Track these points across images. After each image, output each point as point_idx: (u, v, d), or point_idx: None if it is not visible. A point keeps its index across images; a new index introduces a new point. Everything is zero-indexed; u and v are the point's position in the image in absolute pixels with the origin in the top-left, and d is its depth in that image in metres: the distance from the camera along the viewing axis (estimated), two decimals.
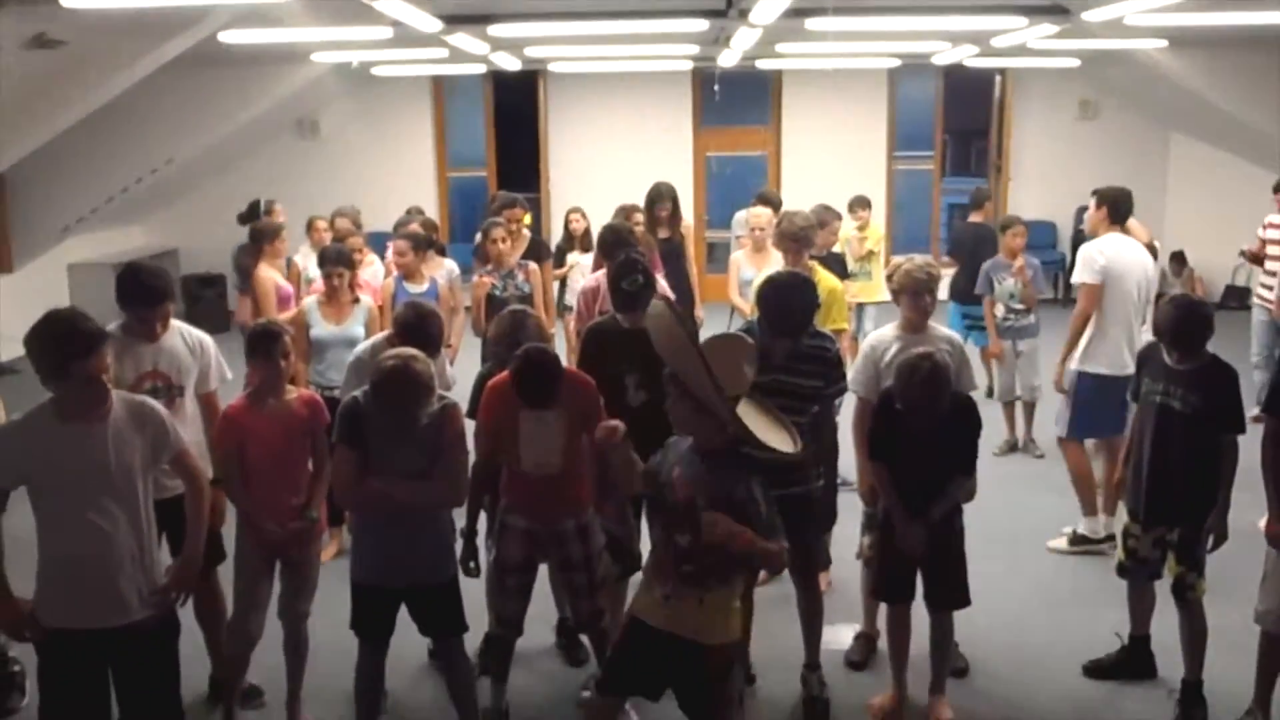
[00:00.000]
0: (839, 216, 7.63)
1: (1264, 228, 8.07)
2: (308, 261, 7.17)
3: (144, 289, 3.97)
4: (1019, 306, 7.25)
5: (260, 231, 6.52)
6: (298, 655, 4.13)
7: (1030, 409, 7.44)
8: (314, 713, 4.19)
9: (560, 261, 7.97)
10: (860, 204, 8.63)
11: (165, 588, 3.38)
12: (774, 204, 7.75)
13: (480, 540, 4.12)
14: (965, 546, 4.14)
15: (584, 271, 7.46)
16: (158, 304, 4.00)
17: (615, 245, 5.26)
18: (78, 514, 3.15)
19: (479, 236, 7.64)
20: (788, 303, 4.09)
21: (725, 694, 3.32)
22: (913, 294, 4.42)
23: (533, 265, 6.56)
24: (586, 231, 8.03)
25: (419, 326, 4.18)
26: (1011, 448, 7.42)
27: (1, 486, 3.20)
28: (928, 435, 3.96)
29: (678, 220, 7.53)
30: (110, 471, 3.19)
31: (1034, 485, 6.57)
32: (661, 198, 7.45)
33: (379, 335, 4.78)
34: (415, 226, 6.92)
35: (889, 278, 4.63)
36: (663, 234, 7.38)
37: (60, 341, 3.14)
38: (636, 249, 5.11)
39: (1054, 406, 5.94)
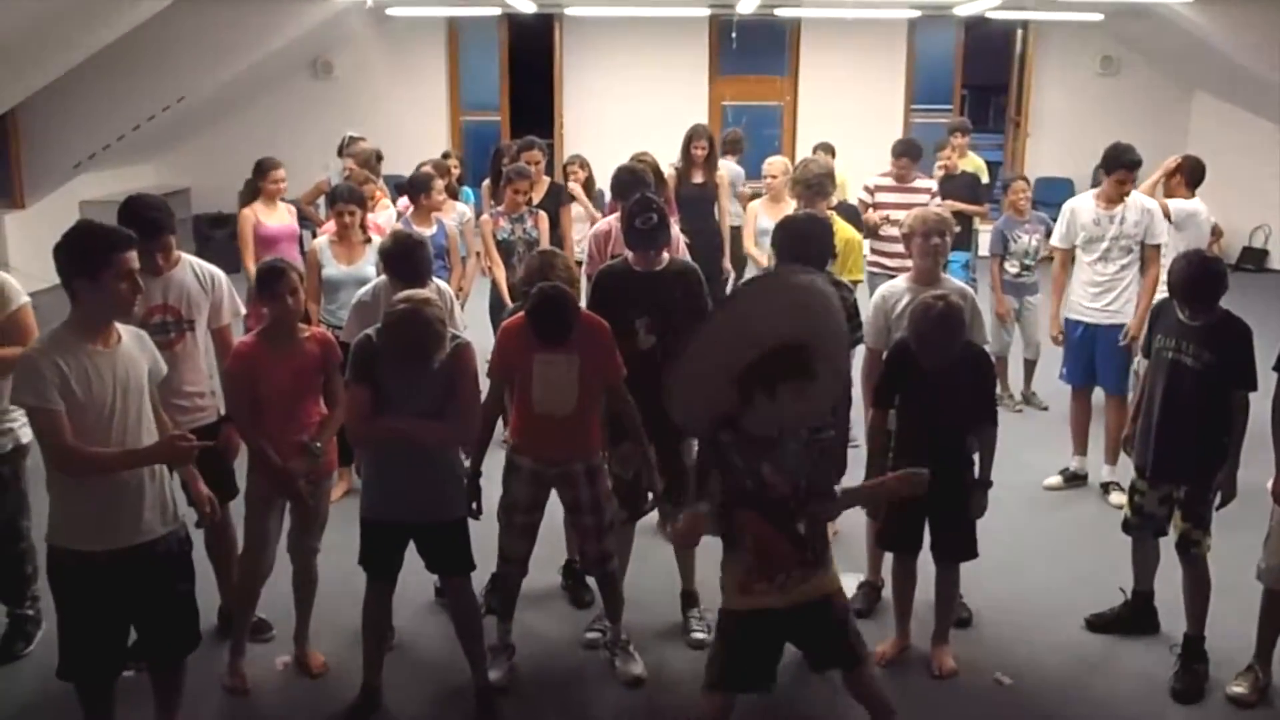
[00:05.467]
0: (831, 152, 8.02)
1: None
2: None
3: (142, 220, 3.93)
4: (1031, 263, 7.19)
5: (255, 167, 6.48)
6: (306, 591, 4.18)
7: (1032, 365, 7.42)
8: (321, 648, 4.24)
9: None
10: (823, 150, 8.68)
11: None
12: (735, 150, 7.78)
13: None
14: None
15: (586, 222, 7.41)
16: (156, 235, 3.98)
17: (631, 185, 5.22)
18: (105, 433, 3.16)
19: (486, 183, 7.60)
20: (801, 242, 4.08)
21: (854, 627, 3.43)
22: (923, 235, 4.41)
23: (541, 212, 6.53)
24: (588, 182, 7.90)
25: (402, 256, 4.16)
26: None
27: (56, 409, 3.06)
28: (939, 385, 3.97)
29: (713, 166, 7.40)
30: (130, 390, 3.22)
31: (1039, 438, 6.57)
32: (699, 135, 7.34)
33: (380, 278, 4.73)
34: (428, 168, 6.89)
35: (900, 225, 4.63)
36: (697, 178, 7.29)
37: (101, 234, 3.17)
38: (652, 189, 5.09)
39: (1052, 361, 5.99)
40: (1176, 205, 6.15)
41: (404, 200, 6.81)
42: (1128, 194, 5.72)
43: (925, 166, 7.79)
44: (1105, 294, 5.77)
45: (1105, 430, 5.92)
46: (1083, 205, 5.89)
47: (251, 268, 6.21)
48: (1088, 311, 5.83)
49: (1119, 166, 5.66)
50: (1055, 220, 7.20)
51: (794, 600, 3.29)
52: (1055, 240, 6.06)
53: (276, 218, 6.38)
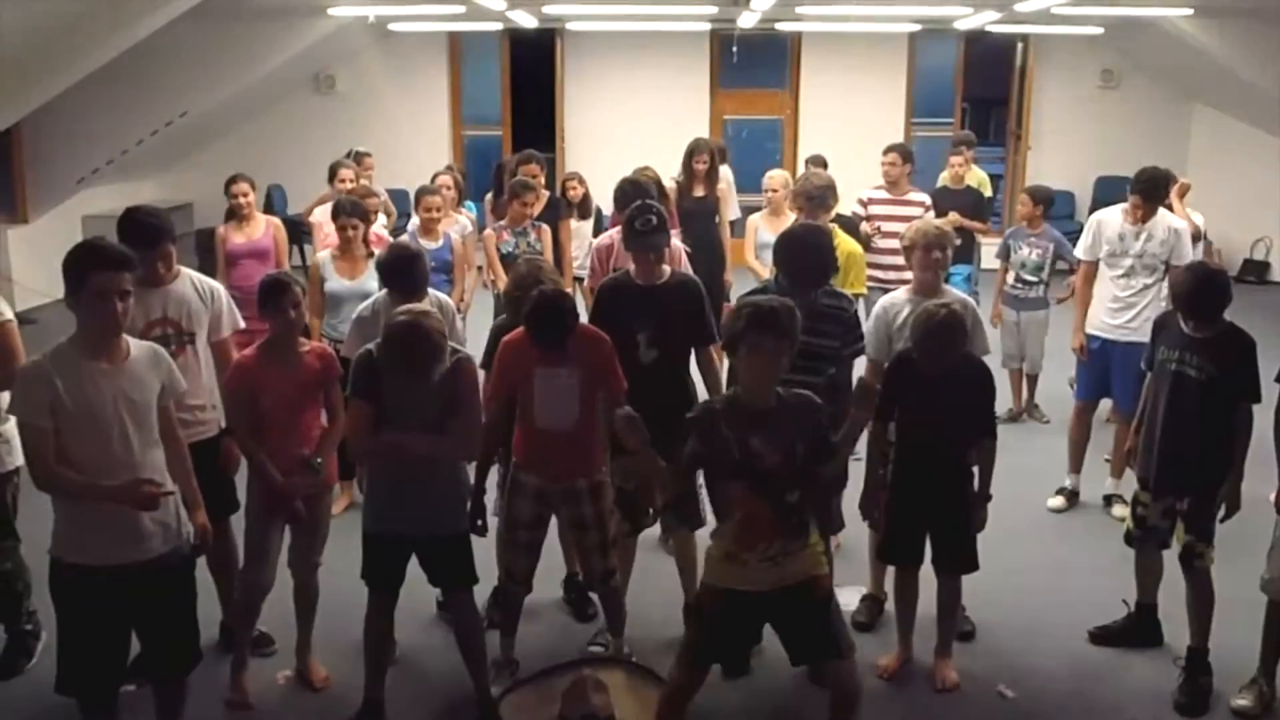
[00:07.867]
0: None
1: None
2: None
3: (141, 228, 3.95)
4: (1030, 278, 7.17)
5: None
6: (308, 605, 4.17)
7: (1033, 380, 7.41)
8: (323, 661, 4.23)
9: None
10: (815, 163, 8.69)
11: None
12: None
13: (490, 498, 4.13)
14: None
15: (583, 238, 7.43)
16: (155, 243, 3.97)
17: (634, 196, 5.23)
18: (106, 449, 3.15)
19: (489, 196, 7.63)
20: (804, 254, 4.10)
21: (839, 618, 3.46)
22: (924, 249, 4.42)
23: (544, 226, 6.56)
24: (585, 198, 7.93)
25: (398, 267, 4.18)
26: (1013, 416, 7.37)
27: (43, 426, 3.09)
28: (939, 397, 3.97)
29: (715, 180, 7.40)
30: (136, 406, 3.22)
31: (1041, 452, 6.56)
32: (701, 149, 7.33)
33: (380, 293, 4.71)
34: (443, 178, 6.92)
35: (901, 238, 4.63)
36: (698, 191, 7.30)
37: (84, 253, 3.18)
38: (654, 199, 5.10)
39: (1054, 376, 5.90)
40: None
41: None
42: (1150, 215, 5.60)
43: (924, 180, 7.79)
44: (1125, 311, 5.65)
45: (1114, 443, 5.90)
46: (1109, 218, 5.76)
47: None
48: (1106, 328, 5.73)
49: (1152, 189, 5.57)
50: (1067, 239, 7.23)
51: (775, 583, 3.31)
52: (1079, 252, 5.96)
53: (243, 234, 6.30)
